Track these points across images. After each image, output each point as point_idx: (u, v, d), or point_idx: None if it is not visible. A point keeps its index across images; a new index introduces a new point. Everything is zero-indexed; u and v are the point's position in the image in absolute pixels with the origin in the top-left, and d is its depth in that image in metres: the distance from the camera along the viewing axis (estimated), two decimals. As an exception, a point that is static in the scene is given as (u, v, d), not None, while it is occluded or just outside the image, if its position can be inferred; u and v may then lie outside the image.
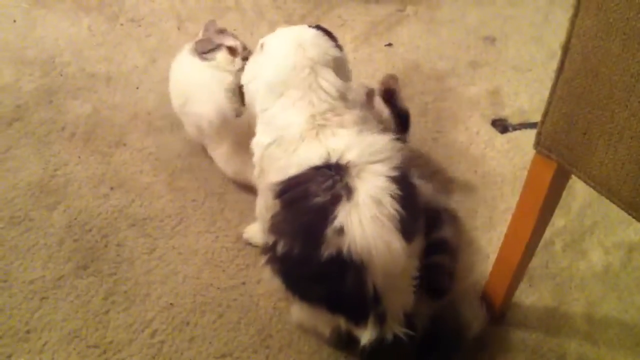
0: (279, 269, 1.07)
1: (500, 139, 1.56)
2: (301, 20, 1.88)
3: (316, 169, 1.04)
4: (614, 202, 0.89)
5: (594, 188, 0.91)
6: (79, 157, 1.48)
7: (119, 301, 1.23)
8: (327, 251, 0.98)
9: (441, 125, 1.60)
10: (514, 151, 1.53)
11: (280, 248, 1.03)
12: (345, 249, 0.98)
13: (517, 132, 1.57)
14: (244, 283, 1.27)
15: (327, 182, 1.01)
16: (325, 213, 0.99)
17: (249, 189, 1.37)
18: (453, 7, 1.94)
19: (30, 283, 1.25)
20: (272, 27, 1.82)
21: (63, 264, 1.28)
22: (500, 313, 1.21)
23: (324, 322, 1.12)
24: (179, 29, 1.82)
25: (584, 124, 0.86)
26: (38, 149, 1.49)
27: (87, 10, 1.86)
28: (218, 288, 1.26)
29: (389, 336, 1.05)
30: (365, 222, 0.99)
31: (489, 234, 1.36)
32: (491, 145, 1.55)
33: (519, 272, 1.17)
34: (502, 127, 1.59)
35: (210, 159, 1.48)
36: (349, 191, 1.00)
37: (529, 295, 1.25)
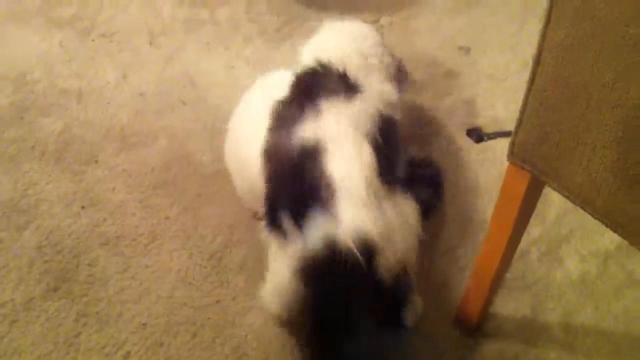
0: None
1: (476, 149, 1.56)
2: (276, 33, 1.87)
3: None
4: (588, 212, 0.88)
5: (568, 198, 0.90)
6: (50, 175, 1.46)
7: (91, 323, 1.21)
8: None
9: (417, 136, 1.59)
10: (489, 161, 1.52)
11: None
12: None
13: (493, 142, 1.57)
14: (218, 301, 1.26)
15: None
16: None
17: (224, 204, 1.36)
18: (428, 17, 1.94)
19: (0, 307, 1.22)
20: (246, 41, 1.82)
21: (33, 286, 1.26)
22: (477, 324, 1.20)
23: None
24: (151, 44, 1.80)
25: (557, 134, 0.86)
26: (8, 168, 1.47)
27: (58, 26, 1.84)
28: (192, 307, 1.24)
29: (338, 250, 1.00)
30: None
31: (465, 244, 1.36)
32: (467, 155, 1.54)
33: (496, 282, 1.16)
34: (477, 136, 1.58)
35: (183, 173, 1.46)
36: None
37: (506, 306, 1.25)
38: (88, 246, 1.33)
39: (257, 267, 1.27)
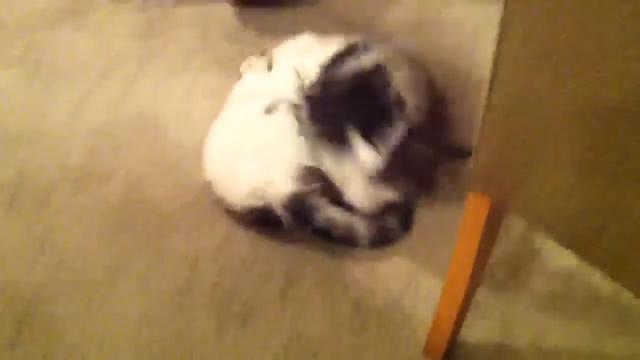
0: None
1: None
2: (232, 62, 1.85)
3: None
4: (552, 238, 0.88)
5: (530, 224, 0.90)
6: (3, 223, 1.41)
7: (51, 375, 1.17)
8: None
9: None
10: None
11: None
12: None
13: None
14: (185, 339, 1.22)
15: None
16: None
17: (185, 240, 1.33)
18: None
19: (-47, 363, 1.17)
20: (203, 71, 1.80)
21: (-12, 342, 1.21)
22: (447, 353, 1.19)
23: None
24: (103, 79, 1.76)
25: (515, 159, 0.85)
26: (-41, 218, 1.42)
27: (6, 66, 1.79)
28: (159, 347, 1.21)
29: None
30: None
31: (432, 269, 1.35)
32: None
33: (464, 309, 1.15)
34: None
35: (142, 212, 1.43)
36: None
37: (475, 332, 1.24)
38: (46, 294, 1.28)
39: (223, 300, 1.25)
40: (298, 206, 1.32)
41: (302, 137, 1.35)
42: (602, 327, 1.24)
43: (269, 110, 1.40)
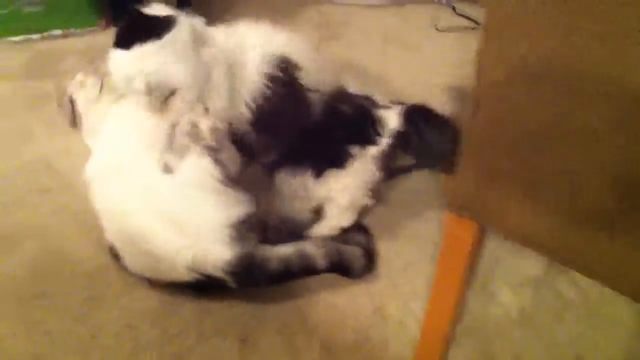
0: None
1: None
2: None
3: None
4: (542, 254, 0.83)
5: (517, 242, 0.84)
6: None
7: None
8: None
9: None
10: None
11: None
12: None
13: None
14: None
15: None
16: None
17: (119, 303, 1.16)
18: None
19: None
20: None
21: None
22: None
23: None
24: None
25: (497, 177, 0.80)
26: None
27: None
28: None
29: None
30: None
31: (396, 297, 1.26)
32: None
33: (448, 336, 1.10)
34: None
35: (63, 276, 1.25)
36: None
37: (456, 356, 1.16)
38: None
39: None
40: (245, 267, 1.15)
41: (227, 185, 1.19)
42: (577, 332, 1.20)
43: (167, 169, 1.20)
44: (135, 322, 1.20)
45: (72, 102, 1.35)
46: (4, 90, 1.66)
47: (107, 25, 1.88)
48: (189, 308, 1.23)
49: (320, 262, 1.20)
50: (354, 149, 1.33)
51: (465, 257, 0.95)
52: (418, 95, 1.66)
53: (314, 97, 1.34)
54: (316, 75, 1.35)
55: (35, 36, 1.81)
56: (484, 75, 0.74)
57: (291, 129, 1.34)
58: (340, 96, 1.38)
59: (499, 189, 0.81)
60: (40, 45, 1.82)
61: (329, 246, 1.22)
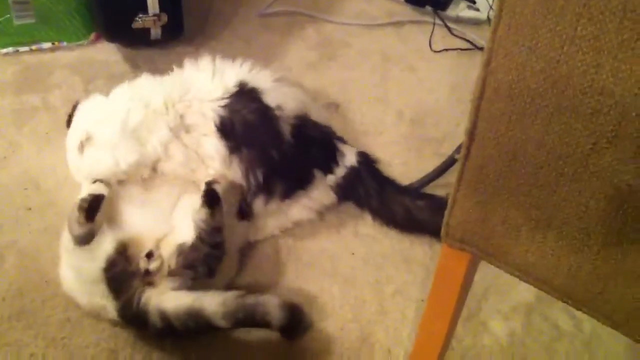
0: None
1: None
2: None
3: None
4: (545, 291, 0.80)
5: (519, 278, 0.81)
6: None
7: None
8: None
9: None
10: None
11: None
12: None
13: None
14: None
15: None
16: None
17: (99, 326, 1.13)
18: (288, 76, 1.82)
19: None
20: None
21: None
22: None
23: None
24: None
25: (502, 211, 0.76)
26: None
27: None
28: None
29: None
30: None
31: (382, 322, 1.24)
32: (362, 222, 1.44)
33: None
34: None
35: (42, 296, 1.21)
36: None
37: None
38: None
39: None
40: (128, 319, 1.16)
41: None
42: (570, 360, 1.18)
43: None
44: (116, 346, 1.17)
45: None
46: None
47: (97, 39, 1.85)
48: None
49: (220, 322, 1.11)
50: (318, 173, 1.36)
51: (458, 288, 0.92)
52: (412, 115, 1.64)
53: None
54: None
55: (23, 48, 1.78)
56: (488, 108, 0.70)
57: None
58: (304, 121, 1.36)
59: (503, 224, 0.77)
60: (29, 57, 1.78)
61: (231, 303, 1.12)
